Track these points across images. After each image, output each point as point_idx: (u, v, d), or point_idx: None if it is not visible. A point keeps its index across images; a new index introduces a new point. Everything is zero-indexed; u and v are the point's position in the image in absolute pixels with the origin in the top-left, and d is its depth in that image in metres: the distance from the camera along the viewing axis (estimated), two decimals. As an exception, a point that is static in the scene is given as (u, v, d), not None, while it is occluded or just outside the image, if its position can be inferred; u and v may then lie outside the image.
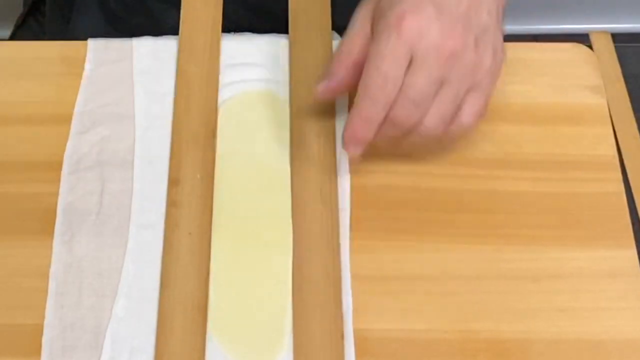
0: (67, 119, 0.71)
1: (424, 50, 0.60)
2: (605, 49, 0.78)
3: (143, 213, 0.67)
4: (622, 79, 0.76)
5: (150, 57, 0.74)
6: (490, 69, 0.63)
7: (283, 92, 0.73)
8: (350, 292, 0.64)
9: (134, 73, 0.73)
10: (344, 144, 0.64)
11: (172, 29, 0.75)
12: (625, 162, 0.71)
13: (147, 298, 0.64)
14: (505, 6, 0.65)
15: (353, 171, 0.69)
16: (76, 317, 0.63)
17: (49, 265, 0.65)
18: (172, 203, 0.67)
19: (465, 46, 0.61)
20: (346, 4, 0.72)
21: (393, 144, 0.64)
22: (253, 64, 0.74)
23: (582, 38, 0.79)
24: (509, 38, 0.73)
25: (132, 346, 0.62)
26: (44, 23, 0.91)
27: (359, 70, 0.62)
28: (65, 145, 0.70)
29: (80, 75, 0.74)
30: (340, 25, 0.77)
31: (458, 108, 0.63)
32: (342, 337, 0.62)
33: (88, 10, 0.84)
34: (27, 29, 0.93)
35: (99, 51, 0.75)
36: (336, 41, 0.77)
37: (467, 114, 0.63)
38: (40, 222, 0.67)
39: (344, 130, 0.63)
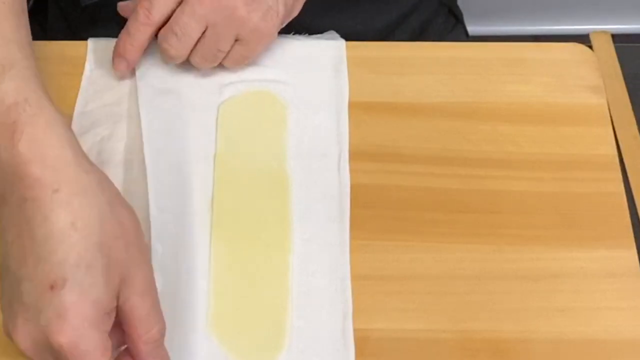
0: (67, 119, 0.71)
1: None
2: (605, 49, 0.78)
3: (145, 213, 0.67)
4: (622, 79, 0.76)
5: (151, 57, 0.74)
6: (258, 28, 0.69)
7: (283, 92, 0.73)
8: (350, 292, 0.64)
9: (136, 73, 0.73)
10: (113, 61, 0.72)
11: None
12: (625, 162, 0.71)
13: None
14: None
15: (353, 171, 0.70)
16: None
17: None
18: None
19: None
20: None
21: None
22: (253, 64, 0.74)
23: (582, 38, 0.79)
24: (509, 38, 0.73)
25: None
26: (46, 27, 0.91)
27: None
28: (65, 145, 0.70)
29: (80, 75, 0.74)
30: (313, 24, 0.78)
31: (223, 52, 0.70)
32: (343, 336, 0.63)
33: (100, 20, 0.85)
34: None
35: (99, 51, 0.75)
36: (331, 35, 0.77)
37: (228, 60, 0.71)
38: (40, 222, 0.67)
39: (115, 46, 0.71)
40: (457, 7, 0.96)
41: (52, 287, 0.53)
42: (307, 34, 0.77)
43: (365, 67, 0.75)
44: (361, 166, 0.70)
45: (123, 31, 0.70)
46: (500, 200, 0.69)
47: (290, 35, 0.77)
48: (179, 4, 0.68)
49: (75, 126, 0.71)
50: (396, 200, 0.69)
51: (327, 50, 0.76)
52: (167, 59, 0.71)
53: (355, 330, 0.63)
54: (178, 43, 0.69)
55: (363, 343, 0.63)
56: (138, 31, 0.69)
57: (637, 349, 0.63)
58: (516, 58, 0.76)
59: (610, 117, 0.73)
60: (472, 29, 0.97)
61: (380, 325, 0.64)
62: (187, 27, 0.68)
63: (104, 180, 0.57)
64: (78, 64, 0.74)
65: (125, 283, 0.55)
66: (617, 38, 0.80)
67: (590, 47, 0.78)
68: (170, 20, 0.68)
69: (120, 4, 0.71)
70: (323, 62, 0.75)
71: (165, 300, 0.63)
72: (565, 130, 0.72)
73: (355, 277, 0.65)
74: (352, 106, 0.73)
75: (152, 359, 0.56)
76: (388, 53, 0.77)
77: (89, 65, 0.74)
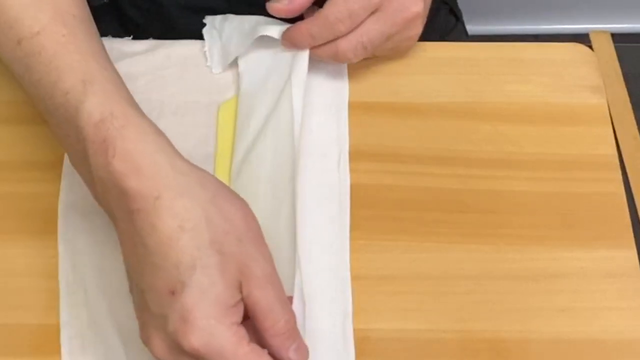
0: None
1: (394, 6, 0.68)
2: (605, 49, 0.78)
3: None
4: (622, 79, 0.76)
5: (151, 57, 0.74)
6: (413, 44, 0.73)
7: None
8: (350, 292, 0.64)
9: (137, 73, 0.73)
10: (282, 40, 0.70)
11: (190, 36, 0.75)
12: (625, 162, 0.71)
13: None
14: None
15: (353, 171, 0.69)
16: (89, 315, 0.63)
17: (49, 265, 0.65)
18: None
19: (420, 17, 0.70)
20: None
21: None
22: (253, 65, 0.74)
23: (582, 38, 0.79)
24: (509, 38, 0.73)
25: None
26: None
27: None
28: (65, 145, 0.70)
29: (80, 75, 0.74)
30: None
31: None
32: (343, 336, 0.63)
33: (103, 20, 0.84)
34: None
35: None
36: None
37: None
38: (41, 222, 0.67)
39: (290, 29, 0.70)
40: (457, 6, 0.96)
41: (172, 293, 0.53)
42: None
43: (365, 68, 0.75)
44: (361, 166, 0.70)
45: (303, 27, 0.69)
46: (500, 200, 0.69)
47: None
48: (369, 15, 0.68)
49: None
50: (396, 200, 0.69)
51: None
52: (338, 61, 0.71)
53: (355, 330, 0.63)
54: (364, 54, 0.70)
55: (363, 343, 0.63)
56: (322, 38, 0.69)
57: (637, 349, 0.63)
58: (516, 58, 0.76)
59: (610, 117, 0.73)
60: (472, 28, 0.97)
61: (380, 325, 0.64)
62: (376, 42, 0.69)
63: (205, 179, 0.57)
64: (78, 64, 0.74)
65: (244, 277, 0.55)
66: (617, 38, 0.79)
67: (590, 47, 0.78)
68: (362, 35, 0.69)
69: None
70: (323, 61, 0.75)
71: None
72: (565, 130, 0.72)
73: (355, 277, 0.65)
74: (352, 106, 0.73)
75: (284, 352, 0.55)
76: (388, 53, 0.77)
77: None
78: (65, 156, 0.69)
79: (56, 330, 0.63)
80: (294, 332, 0.56)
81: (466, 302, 0.64)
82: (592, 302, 0.65)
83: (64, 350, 0.62)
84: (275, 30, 0.71)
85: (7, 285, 0.65)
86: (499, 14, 1.65)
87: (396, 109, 0.73)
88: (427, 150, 0.71)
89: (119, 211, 0.56)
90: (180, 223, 0.54)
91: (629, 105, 0.74)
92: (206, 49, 0.74)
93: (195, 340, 0.53)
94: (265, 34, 0.71)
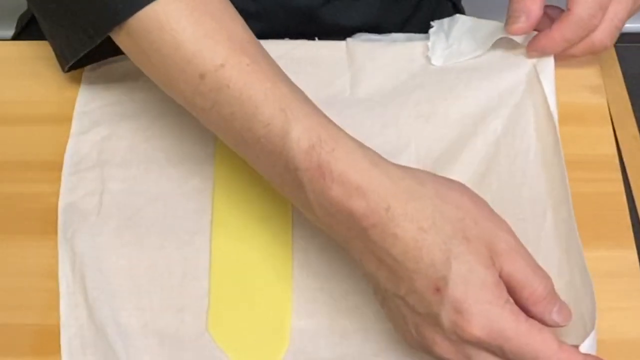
0: (67, 119, 0.71)
1: None
2: (605, 49, 0.78)
3: (145, 212, 0.67)
4: (622, 79, 0.76)
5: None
6: None
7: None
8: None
9: (137, 72, 0.73)
10: (529, 50, 0.71)
11: None
12: (625, 162, 0.71)
13: (157, 299, 0.64)
14: None
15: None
16: (89, 315, 0.63)
17: (49, 265, 0.65)
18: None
19: None
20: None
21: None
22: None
23: (582, 38, 0.79)
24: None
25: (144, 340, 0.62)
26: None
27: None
28: (65, 145, 0.70)
29: (80, 75, 0.74)
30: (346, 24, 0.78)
31: None
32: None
33: None
34: (32, 31, 0.92)
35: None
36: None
37: None
38: (41, 222, 0.67)
39: (539, 38, 0.70)
40: (460, 3, 0.96)
41: (437, 290, 0.54)
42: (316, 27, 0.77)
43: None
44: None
45: (556, 34, 0.70)
46: (500, 200, 0.69)
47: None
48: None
49: (75, 126, 0.71)
50: (396, 200, 0.68)
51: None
52: (594, 53, 0.72)
53: (355, 330, 0.63)
54: (617, 35, 0.71)
55: (363, 343, 0.63)
56: (578, 38, 0.70)
57: (637, 349, 0.63)
58: (516, 58, 0.76)
59: (610, 117, 0.73)
60: (472, 28, 0.97)
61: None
62: (625, 20, 0.70)
63: (421, 177, 0.57)
64: (78, 64, 0.74)
65: (493, 255, 0.55)
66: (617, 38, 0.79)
67: (591, 47, 0.78)
68: (613, 19, 0.69)
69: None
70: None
71: (164, 301, 0.64)
72: (565, 130, 0.72)
73: (355, 277, 0.65)
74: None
75: (547, 316, 0.56)
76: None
77: (89, 65, 0.74)
78: (65, 156, 0.70)
79: (56, 330, 0.63)
80: (553, 295, 0.56)
81: (466, 302, 0.64)
82: (592, 302, 0.64)
83: (64, 350, 0.62)
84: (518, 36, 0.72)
85: (7, 285, 0.65)
86: (500, 13, 1.65)
87: (396, 109, 0.73)
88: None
89: (349, 232, 0.56)
90: (419, 224, 0.55)
91: (629, 105, 0.74)
92: (429, 43, 0.74)
93: (474, 327, 0.53)
94: (507, 36, 0.72)
